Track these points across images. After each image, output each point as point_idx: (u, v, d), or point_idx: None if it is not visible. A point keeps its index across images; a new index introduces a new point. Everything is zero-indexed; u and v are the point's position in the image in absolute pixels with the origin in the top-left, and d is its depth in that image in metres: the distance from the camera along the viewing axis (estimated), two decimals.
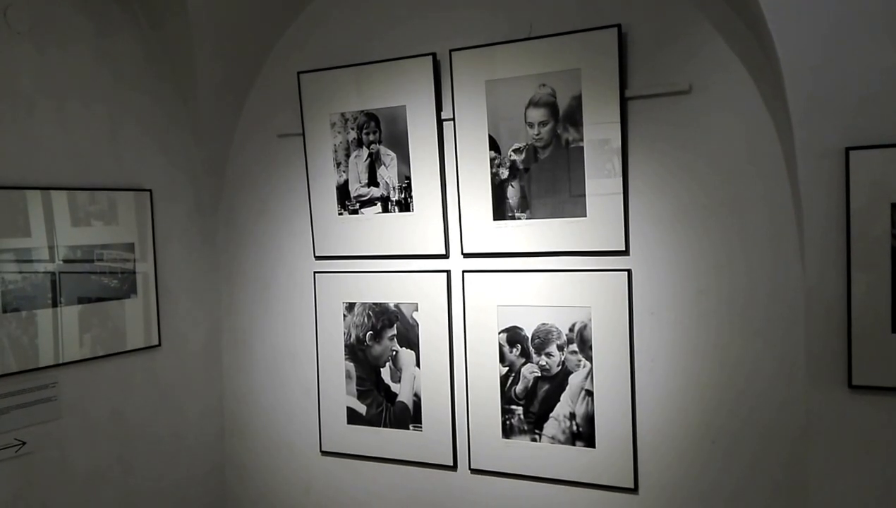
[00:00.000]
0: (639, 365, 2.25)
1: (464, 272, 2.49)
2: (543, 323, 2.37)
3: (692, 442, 2.19)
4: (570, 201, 2.31)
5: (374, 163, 2.62)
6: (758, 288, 2.09)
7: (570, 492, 2.36)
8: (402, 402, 2.62)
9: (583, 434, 2.32)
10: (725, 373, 2.14)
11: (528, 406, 2.41)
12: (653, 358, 2.23)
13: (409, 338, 2.60)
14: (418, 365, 2.59)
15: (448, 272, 2.53)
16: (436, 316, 2.55)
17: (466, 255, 2.50)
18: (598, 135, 2.24)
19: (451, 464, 2.55)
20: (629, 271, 2.24)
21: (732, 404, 2.13)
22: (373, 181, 2.63)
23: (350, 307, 2.70)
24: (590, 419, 2.31)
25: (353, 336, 2.70)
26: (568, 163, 2.30)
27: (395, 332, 2.62)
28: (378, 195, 2.62)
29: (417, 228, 2.56)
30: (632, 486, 2.26)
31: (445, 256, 2.54)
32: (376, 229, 2.63)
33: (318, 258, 2.77)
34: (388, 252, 2.62)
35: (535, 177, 2.35)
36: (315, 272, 2.77)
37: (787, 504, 2.08)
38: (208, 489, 2.97)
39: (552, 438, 2.37)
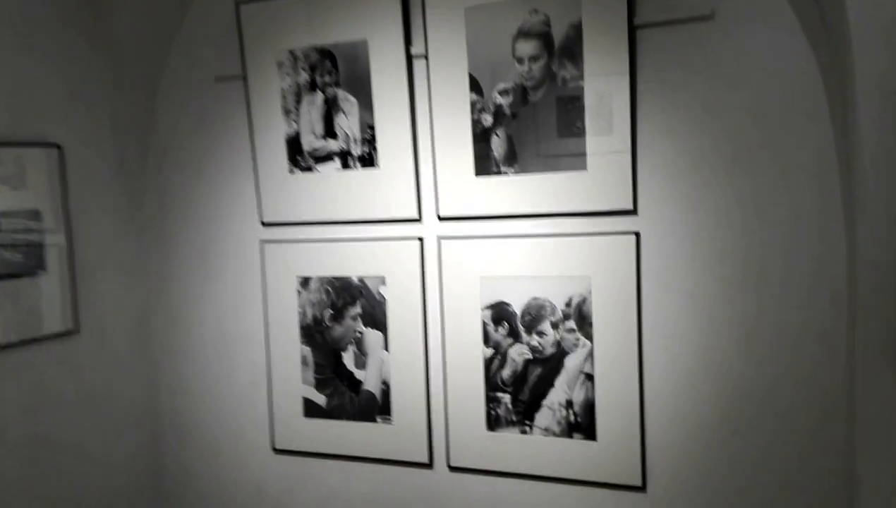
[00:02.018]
0: (648, 345, 1.92)
1: (440, 238, 2.12)
2: (535, 298, 2.02)
3: (710, 433, 1.87)
4: (566, 152, 1.95)
5: (330, 110, 2.21)
6: (793, 254, 1.77)
7: (568, 492, 2.03)
8: (369, 391, 2.25)
9: (581, 424, 2.00)
10: (751, 353, 1.82)
11: (516, 393, 2.06)
12: (664, 335, 1.90)
13: (376, 317, 2.23)
14: (387, 348, 2.22)
15: (421, 239, 2.15)
16: (407, 290, 2.18)
17: (443, 219, 2.13)
18: (602, 72, 1.88)
19: (427, 461, 2.19)
20: (637, 234, 1.90)
21: (758, 388, 1.82)
22: (329, 132, 2.22)
23: (305, 282, 2.31)
24: (590, 407, 1.98)
25: (310, 315, 2.32)
26: (565, 105, 1.94)
27: (360, 311, 2.25)
28: (336, 149, 2.22)
29: (384, 187, 2.17)
30: (639, 484, 1.94)
31: (418, 220, 2.16)
32: (335, 189, 2.24)
33: (265, 225, 2.37)
34: (350, 217, 2.23)
35: (525, 124, 1.99)
36: (262, 241, 2.36)
37: (825, 501, 1.79)
38: (143, 496, 2.56)
39: (545, 430, 2.04)
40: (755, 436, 1.83)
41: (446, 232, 2.13)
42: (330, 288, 2.27)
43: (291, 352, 2.35)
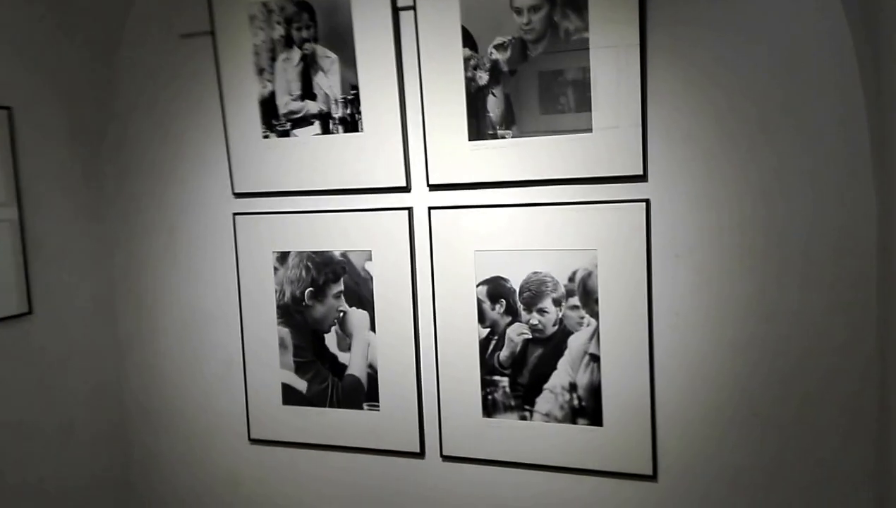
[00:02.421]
0: (658, 322, 1.76)
1: (430, 209, 1.95)
2: (535, 272, 1.86)
3: (727, 417, 1.73)
4: (570, 112, 1.78)
5: (308, 68, 2.01)
6: (817, 225, 1.62)
7: (571, 482, 1.89)
8: (353, 376, 2.08)
9: (586, 409, 1.84)
10: (772, 331, 1.67)
11: (515, 376, 1.90)
12: (677, 312, 1.75)
13: (361, 295, 2.05)
14: (373, 328, 2.04)
15: (410, 210, 1.98)
16: (395, 266, 2.00)
17: (434, 187, 1.95)
18: (608, 23, 1.70)
19: (418, 451, 2.03)
20: (647, 202, 1.74)
21: (779, 369, 1.68)
22: (308, 92, 2.03)
23: (282, 257, 2.12)
24: (595, 390, 1.83)
25: (288, 294, 2.13)
26: (568, 61, 1.76)
27: (343, 288, 2.06)
28: (315, 111, 2.02)
29: (369, 153, 1.98)
30: (649, 472, 1.80)
31: (406, 189, 1.98)
32: (314, 155, 2.04)
33: (237, 195, 2.17)
34: (331, 186, 2.04)
35: (525, 83, 1.81)
36: (235, 214, 2.17)
37: (854, 488, 1.66)
38: (108, 489, 2.37)
39: (546, 415, 1.88)
40: (776, 420, 1.69)
41: (437, 201, 1.95)
42: (310, 264, 2.09)
43: (268, 334, 2.17)
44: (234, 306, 2.21)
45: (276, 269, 2.13)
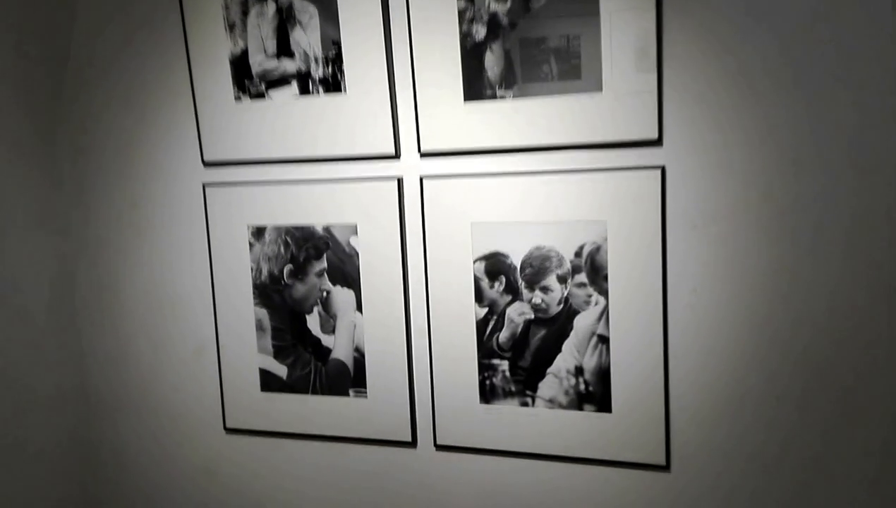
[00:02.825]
0: (674, 300, 1.62)
1: (422, 178, 1.78)
2: (538, 247, 1.70)
3: (748, 401, 1.60)
4: (576, 69, 1.61)
5: (284, 23, 1.81)
6: (854, 193, 1.48)
7: (576, 472, 1.75)
8: (339, 360, 1.92)
9: (594, 394, 1.70)
10: (800, 308, 1.54)
11: (516, 359, 1.76)
12: (694, 288, 1.61)
13: (346, 273, 1.88)
14: (360, 309, 1.88)
15: (399, 179, 1.80)
16: (383, 241, 1.83)
17: (426, 155, 1.78)
18: None
19: (410, 440, 1.88)
20: (663, 168, 1.59)
21: (809, 348, 1.54)
22: (284, 50, 1.83)
23: (258, 233, 1.94)
24: (604, 374, 1.69)
25: (265, 272, 1.95)
26: (575, 12, 1.59)
27: (325, 265, 1.89)
28: (293, 70, 1.83)
29: (353, 117, 1.80)
30: (662, 462, 1.67)
31: (395, 157, 1.80)
32: (292, 120, 1.86)
33: (207, 165, 1.97)
34: (311, 153, 1.86)
35: (527, 37, 1.63)
36: (205, 185, 1.97)
37: (890, 479, 1.55)
38: (71, 486, 2.19)
39: (550, 401, 1.74)
40: (802, 404, 1.56)
41: (430, 170, 1.78)
42: (289, 240, 1.91)
43: (244, 316, 1.99)
44: (206, 286, 2.02)
45: (251, 245, 1.95)
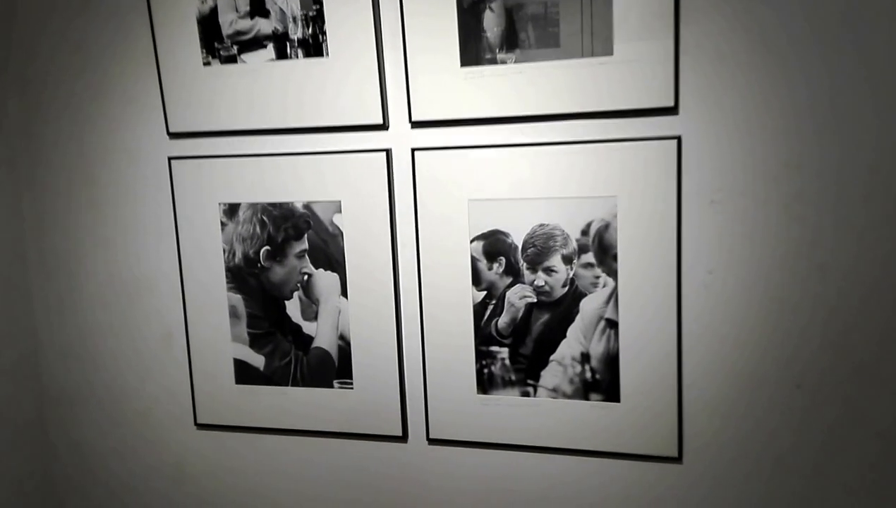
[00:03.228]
0: (688, 281, 1.51)
1: (414, 151, 1.63)
2: (541, 225, 1.57)
3: (766, 387, 1.50)
4: (584, 30, 1.48)
5: None
6: (883, 165, 1.37)
7: (581, 465, 1.64)
8: (321, 349, 1.77)
9: (601, 382, 1.59)
10: (824, 289, 1.44)
11: (516, 346, 1.63)
12: (710, 269, 1.50)
13: (330, 255, 1.73)
14: (344, 293, 1.73)
15: (388, 151, 1.65)
16: (371, 219, 1.68)
17: (417, 124, 1.63)
18: None
19: (400, 434, 1.74)
20: (678, 139, 1.47)
21: (832, 332, 1.44)
22: (259, 8, 1.65)
23: (231, 211, 1.77)
24: (612, 361, 1.57)
25: (240, 254, 1.79)
26: None
27: (306, 246, 1.73)
28: (269, 31, 1.66)
29: (336, 83, 1.64)
30: (674, 454, 1.57)
31: (383, 127, 1.65)
32: (268, 86, 1.68)
33: (173, 136, 1.79)
34: (290, 123, 1.69)
35: None
36: (171, 158, 1.79)
37: None
38: (28, 487, 2.01)
39: (554, 391, 1.62)
40: (824, 392, 1.47)
41: (422, 141, 1.63)
42: (265, 219, 1.75)
43: (216, 302, 1.83)
44: (174, 269, 1.85)
45: (223, 225, 1.78)
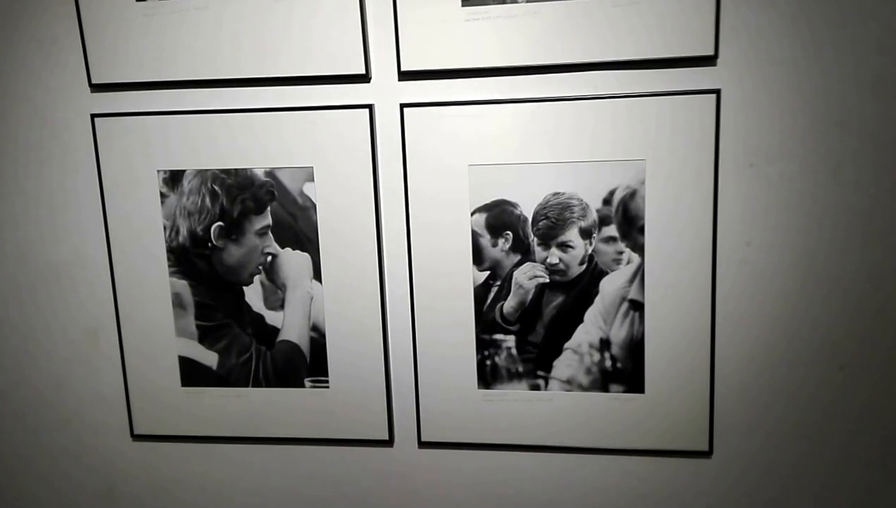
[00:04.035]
0: (724, 255, 1.33)
1: (402, 107, 1.37)
2: (556, 194, 1.35)
3: (808, 372, 1.35)
4: None
5: None
6: None
7: (598, 464, 1.45)
8: (289, 343, 1.49)
9: (622, 372, 1.40)
10: (877, 263, 1.29)
11: (525, 333, 1.41)
12: (748, 241, 1.33)
13: (299, 231, 1.45)
14: (318, 277, 1.46)
15: (371, 108, 1.38)
16: (349, 188, 1.41)
17: (407, 76, 1.36)
18: None
19: (386, 437, 1.51)
20: (717, 93, 1.28)
21: (882, 310, 1.31)
22: None
23: (173, 179, 1.46)
24: (636, 347, 1.38)
25: (185, 232, 1.48)
26: None
27: (270, 222, 1.45)
28: None
29: (306, 23, 1.35)
30: (705, 448, 1.41)
31: (365, 78, 1.38)
32: (220, 26, 1.38)
33: (96, 88, 1.46)
34: (249, 72, 1.39)
35: None
36: (94, 116, 1.46)
37: None
38: None
39: (568, 382, 1.42)
40: (870, 374, 1.34)
41: (413, 95, 1.37)
42: (217, 188, 1.45)
43: (155, 290, 1.51)
44: (101, 251, 1.52)
45: (163, 196, 1.47)
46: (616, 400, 1.41)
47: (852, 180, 1.27)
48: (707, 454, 1.41)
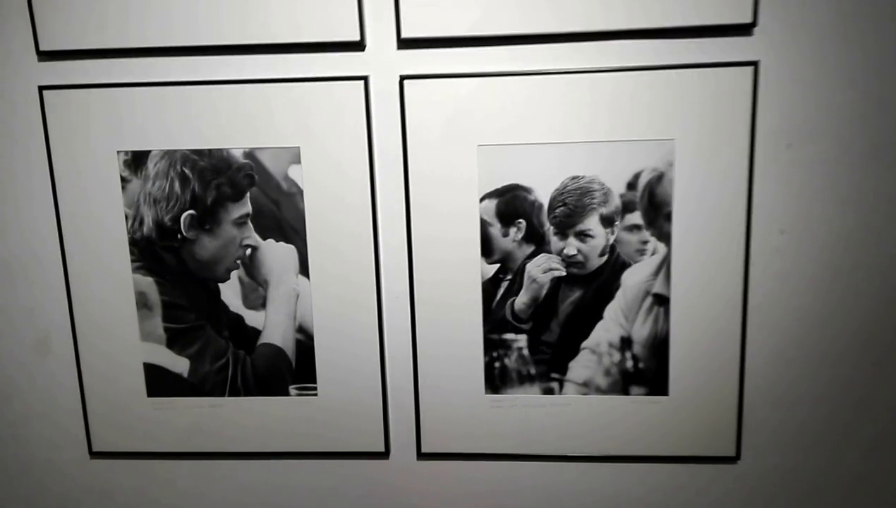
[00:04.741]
0: (757, 243, 1.22)
1: (403, 79, 1.21)
2: (575, 177, 1.22)
3: (840, 368, 1.26)
4: None
5: None
6: None
7: (617, 473, 1.33)
8: (272, 346, 1.33)
9: (645, 373, 1.28)
10: None
11: (538, 331, 1.28)
12: (783, 229, 1.22)
13: (283, 221, 1.28)
14: (305, 271, 1.29)
15: (366, 80, 1.22)
16: (341, 171, 1.25)
17: (408, 43, 1.21)
18: None
19: (382, 449, 1.36)
20: (755, 65, 1.16)
21: None
22: None
23: (136, 161, 1.27)
24: (660, 345, 1.26)
25: (150, 221, 1.30)
26: None
27: (249, 210, 1.28)
28: None
29: None
30: (732, 452, 1.30)
31: (359, 46, 1.22)
32: None
33: (45, 56, 1.26)
34: (225, 38, 1.22)
35: None
36: (43, 88, 1.26)
37: None
38: None
39: (585, 385, 1.29)
40: None
41: (415, 66, 1.21)
42: (188, 172, 1.27)
43: (115, 288, 1.33)
44: (51, 245, 1.33)
45: (125, 181, 1.28)
46: (637, 403, 1.29)
47: (894, 162, 1.17)
48: (734, 459, 1.30)
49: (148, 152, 1.26)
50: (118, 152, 1.27)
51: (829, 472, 1.30)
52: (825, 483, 1.30)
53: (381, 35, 1.20)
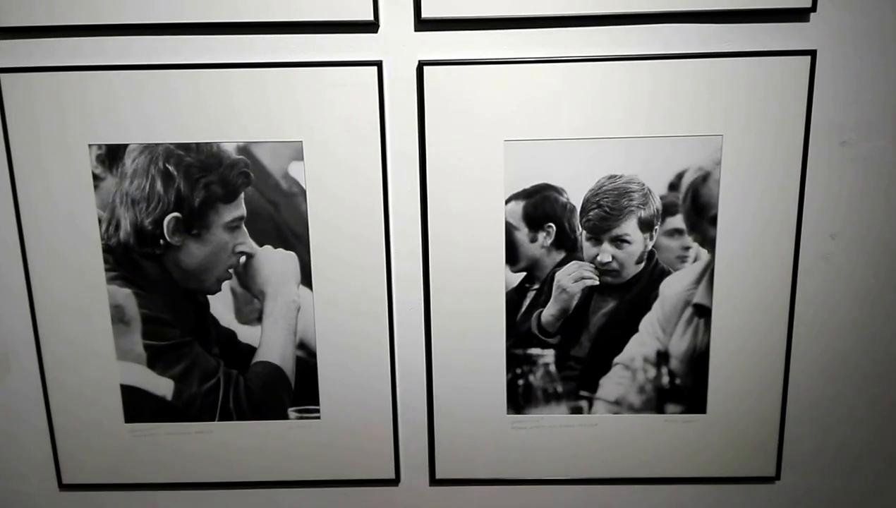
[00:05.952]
0: (806, 249, 1.13)
1: (422, 65, 1.07)
2: (611, 177, 1.10)
3: (886, 383, 1.17)
4: None
5: None
6: None
7: (650, 496, 1.23)
8: (269, 364, 1.18)
9: (682, 389, 1.18)
10: None
11: (566, 346, 1.16)
12: (833, 233, 1.12)
13: (282, 225, 1.13)
14: (307, 282, 1.15)
15: (379, 65, 1.08)
16: (350, 169, 1.11)
17: (427, 24, 1.07)
18: None
19: (392, 476, 1.23)
20: (812, 54, 1.06)
21: None
22: None
23: (111, 156, 1.11)
24: (699, 360, 1.16)
25: (127, 225, 1.14)
26: None
27: (243, 212, 1.13)
28: None
29: None
30: (772, 473, 1.21)
31: (373, 27, 1.08)
32: None
33: (5, 33, 1.09)
34: (216, 16, 1.06)
35: None
36: (0, 70, 1.09)
37: None
38: None
39: (616, 403, 1.19)
40: None
41: (434, 50, 1.08)
42: (173, 169, 1.11)
43: (87, 301, 1.16)
44: (11, 253, 1.16)
45: (98, 179, 1.12)
46: (673, 422, 1.18)
47: None
48: (772, 479, 1.21)
49: (125, 146, 1.10)
50: (90, 146, 1.10)
51: (873, 497, 1.22)
52: (869, 501, 1.22)
53: (397, 14, 1.06)
